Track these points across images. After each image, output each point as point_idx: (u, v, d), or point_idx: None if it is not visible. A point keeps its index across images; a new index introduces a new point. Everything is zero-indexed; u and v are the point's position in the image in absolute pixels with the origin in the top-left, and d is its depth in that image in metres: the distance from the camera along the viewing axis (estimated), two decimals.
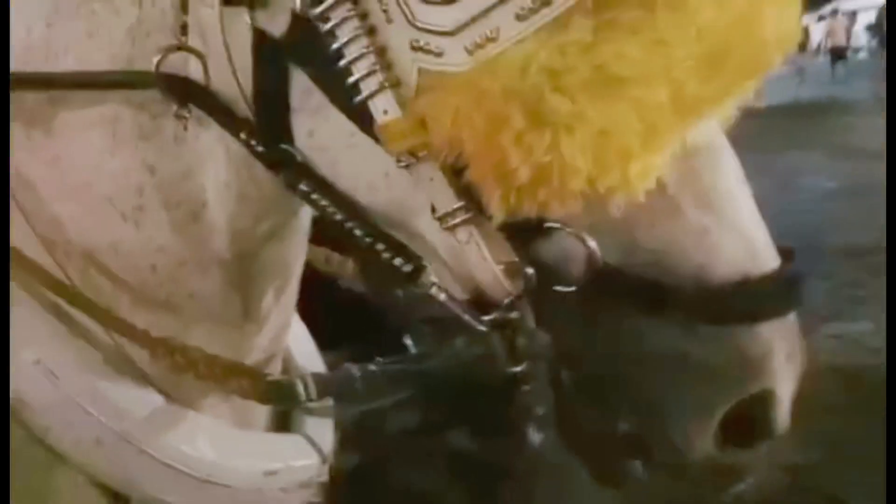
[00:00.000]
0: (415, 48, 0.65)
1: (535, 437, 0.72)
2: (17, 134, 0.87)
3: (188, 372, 0.87)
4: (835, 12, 25.33)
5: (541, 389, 0.74)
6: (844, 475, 3.17)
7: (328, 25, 0.67)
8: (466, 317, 0.75)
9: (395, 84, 0.67)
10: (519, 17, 0.61)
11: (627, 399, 0.71)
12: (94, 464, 0.88)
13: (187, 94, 0.79)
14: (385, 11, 0.66)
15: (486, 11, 0.61)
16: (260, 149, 0.78)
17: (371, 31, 0.66)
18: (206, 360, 0.89)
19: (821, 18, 26.40)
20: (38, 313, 0.86)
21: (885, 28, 21.03)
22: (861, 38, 26.18)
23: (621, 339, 0.69)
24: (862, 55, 25.65)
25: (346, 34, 0.67)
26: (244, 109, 0.78)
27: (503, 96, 0.60)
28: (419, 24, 0.64)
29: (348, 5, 0.66)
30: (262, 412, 1.05)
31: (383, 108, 0.67)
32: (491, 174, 0.62)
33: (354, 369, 0.99)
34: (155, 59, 0.78)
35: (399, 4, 0.65)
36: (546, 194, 0.62)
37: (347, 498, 1.13)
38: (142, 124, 0.83)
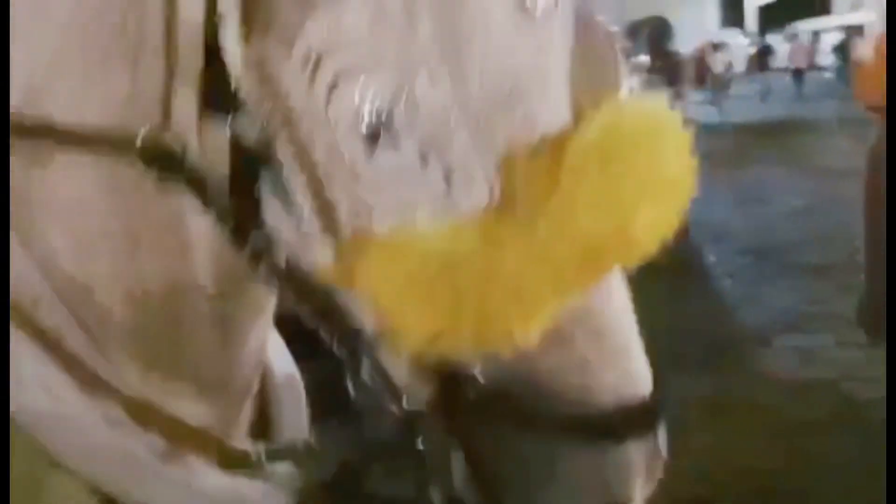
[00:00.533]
0: (351, 208, 0.74)
1: (436, 498, 0.84)
2: (17, 161, 0.92)
3: (155, 432, 0.94)
4: (797, 34, 25.81)
5: (442, 465, 0.85)
6: (802, 478, 3.25)
7: (282, 168, 0.76)
8: (386, 403, 0.85)
9: (333, 231, 0.75)
10: (432, 213, 0.72)
11: (504, 491, 0.82)
12: (89, 471, 0.92)
13: (168, 167, 0.84)
14: (329, 174, 0.74)
15: (408, 203, 0.72)
16: (228, 228, 0.84)
17: (315, 189, 0.75)
18: (172, 425, 0.96)
19: (787, 39, 26.87)
20: (32, 350, 0.91)
21: (849, 50, 21.47)
22: (826, 58, 26.65)
23: (503, 442, 0.80)
24: (828, 75, 26.09)
25: (294, 182, 0.75)
26: (217, 189, 0.83)
27: (407, 278, 0.71)
28: (355, 193, 0.73)
29: (297, 165, 0.75)
30: (243, 423, 1.11)
31: (320, 252, 0.76)
32: (395, 328, 0.74)
33: (300, 442, 1.09)
34: (140, 133, 0.83)
35: (342, 172, 0.73)
36: (438, 350, 0.73)
37: None
38: (133, 173, 0.87)
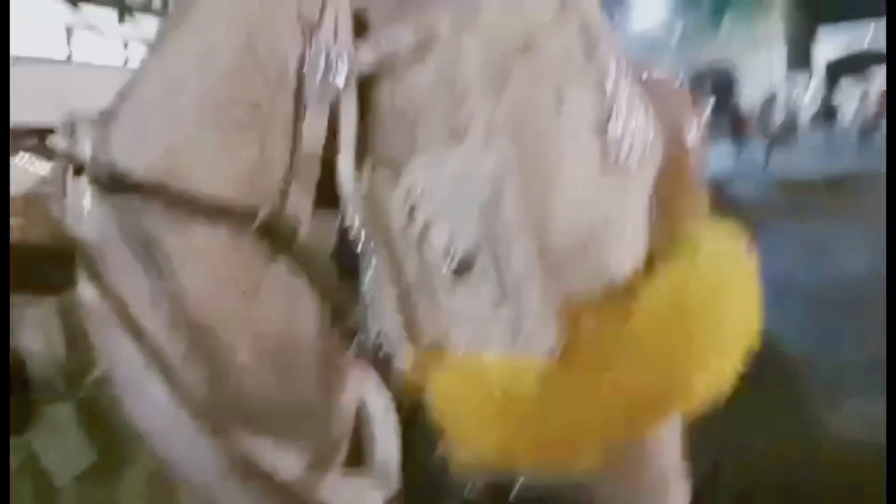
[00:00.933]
0: (431, 327, 0.84)
1: None
2: (154, 213, 1.03)
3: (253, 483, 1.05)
4: (865, 89, 25.48)
5: None
6: None
7: (375, 289, 0.87)
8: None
9: (413, 341, 0.86)
10: (502, 349, 0.79)
11: None
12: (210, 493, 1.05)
13: (280, 245, 0.97)
14: (417, 295, 0.84)
15: (481, 336, 0.81)
16: (327, 306, 0.97)
17: (405, 303, 0.85)
18: (266, 481, 1.06)
19: (856, 86, 26.43)
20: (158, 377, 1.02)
21: None
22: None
23: None
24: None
25: (386, 292, 0.86)
26: (320, 271, 0.97)
27: (471, 405, 0.80)
28: (438, 318, 0.83)
29: (390, 279, 0.84)
30: (338, 461, 1.21)
31: (398, 362, 0.87)
32: (456, 442, 0.85)
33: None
34: (259, 214, 0.95)
35: (426, 292, 0.83)
36: (492, 467, 0.83)
37: None
38: (253, 238, 0.99)
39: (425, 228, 0.80)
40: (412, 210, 0.81)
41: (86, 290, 1.01)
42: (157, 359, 1.00)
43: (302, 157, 0.92)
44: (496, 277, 0.77)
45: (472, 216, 0.76)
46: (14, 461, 1.01)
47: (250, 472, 1.03)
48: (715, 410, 0.90)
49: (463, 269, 0.78)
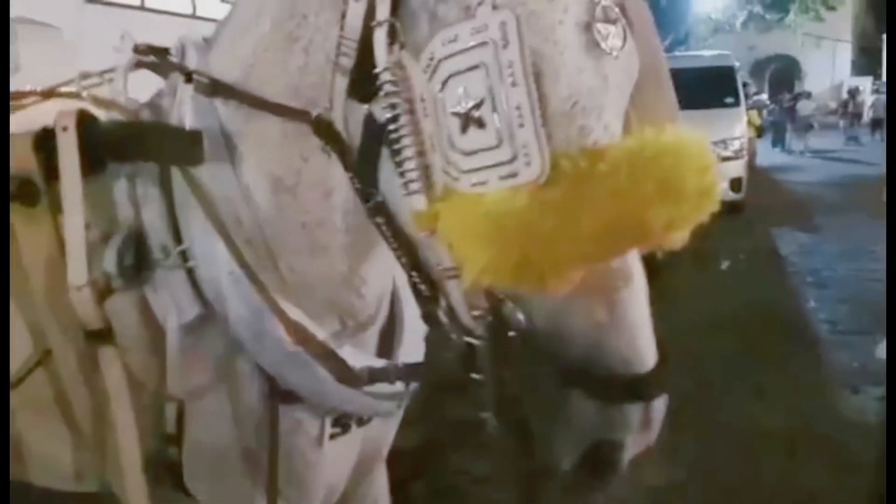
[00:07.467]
0: (444, 171, 0.99)
1: (491, 423, 1.06)
2: (230, 112, 1.31)
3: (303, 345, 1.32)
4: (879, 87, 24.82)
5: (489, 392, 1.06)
6: None
7: (400, 143, 1.01)
8: (453, 329, 1.11)
9: (428, 188, 1.01)
10: (501, 178, 0.93)
11: (528, 419, 1.05)
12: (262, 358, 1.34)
13: (329, 137, 1.18)
14: (432, 145, 0.99)
15: (484, 169, 0.94)
16: (357, 185, 1.17)
17: (421, 154, 1.00)
18: (308, 338, 1.32)
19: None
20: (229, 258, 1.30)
21: None
22: None
23: (530, 379, 1.03)
24: None
25: (407, 149, 1.01)
26: (354, 158, 1.16)
27: (474, 223, 0.94)
28: (449, 159, 0.97)
29: (412, 134, 1.00)
30: (370, 343, 1.48)
31: (416, 203, 1.02)
32: (459, 260, 0.99)
33: (392, 367, 1.43)
34: (314, 113, 1.18)
35: (441, 143, 0.98)
36: (487, 280, 0.96)
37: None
38: (302, 129, 1.22)
39: (444, 85, 0.94)
40: (433, 75, 0.96)
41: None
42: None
43: (342, 49, 1.14)
44: (498, 120, 0.92)
45: (481, 70, 0.91)
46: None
47: (300, 336, 1.29)
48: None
49: (472, 113, 0.93)
